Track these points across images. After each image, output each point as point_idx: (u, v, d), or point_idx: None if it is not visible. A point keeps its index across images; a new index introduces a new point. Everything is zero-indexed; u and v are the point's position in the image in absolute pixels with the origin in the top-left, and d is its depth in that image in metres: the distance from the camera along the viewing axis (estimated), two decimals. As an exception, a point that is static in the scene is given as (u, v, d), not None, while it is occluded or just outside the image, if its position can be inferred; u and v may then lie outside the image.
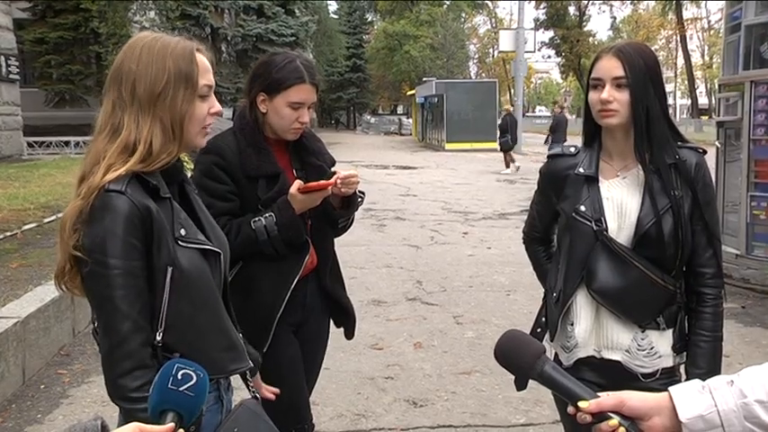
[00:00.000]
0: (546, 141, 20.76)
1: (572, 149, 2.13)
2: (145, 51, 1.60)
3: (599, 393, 1.19)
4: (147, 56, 1.59)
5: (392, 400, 4.15)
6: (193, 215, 1.72)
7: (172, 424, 1.19)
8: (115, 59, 1.65)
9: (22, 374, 4.30)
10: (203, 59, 1.66)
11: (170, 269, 1.55)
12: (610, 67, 1.96)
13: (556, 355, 2.17)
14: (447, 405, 4.08)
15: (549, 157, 2.19)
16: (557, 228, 2.22)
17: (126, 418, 1.53)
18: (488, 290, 6.70)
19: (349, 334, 2.75)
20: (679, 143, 2.02)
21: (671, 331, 2.02)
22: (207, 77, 1.65)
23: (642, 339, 2.02)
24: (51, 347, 4.74)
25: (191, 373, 1.24)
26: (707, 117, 47.35)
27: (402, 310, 6.04)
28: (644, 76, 1.95)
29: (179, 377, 1.23)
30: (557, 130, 19.22)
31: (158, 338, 1.56)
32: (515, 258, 7.43)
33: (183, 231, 1.60)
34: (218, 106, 1.69)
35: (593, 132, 2.10)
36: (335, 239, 2.67)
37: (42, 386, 4.32)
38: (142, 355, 1.52)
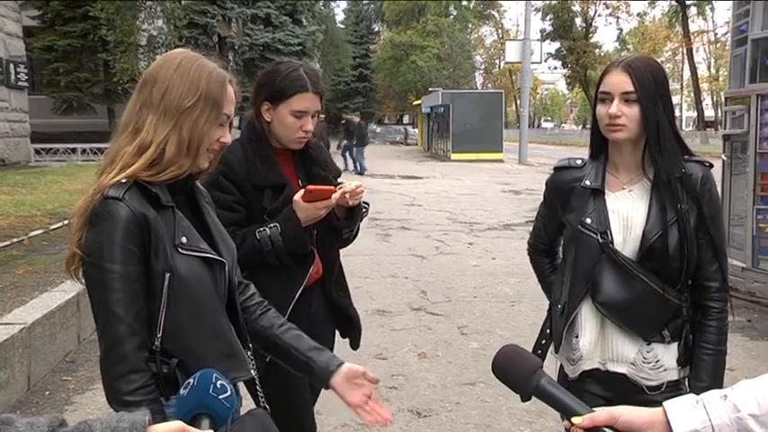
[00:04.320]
0: (338, 147, 24.61)
1: (578, 162, 2.13)
2: (184, 63, 1.65)
3: (594, 408, 1.19)
4: (185, 68, 1.64)
5: (396, 410, 4.14)
6: (203, 224, 1.74)
7: (211, 431, 1.24)
8: (151, 65, 1.69)
9: (27, 381, 4.31)
10: (231, 91, 1.70)
11: (167, 275, 1.57)
12: (619, 81, 1.96)
13: (561, 367, 2.17)
14: (451, 416, 4.07)
15: (555, 168, 2.19)
16: (562, 240, 2.23)
17: None
18: (493, 300, 6.70)
19: (355, 344, 2.76)
20: (685, 157, 2.02)
21: (676, 344, 2.02)
22: (229, 108, 1.69)
23: (648, 352, 2.02)
24: (56, 354, 4.75)
25: (226, 385, 1.29)
26: (713, 129, 47.29)
27: (407, 319, 6.03)
28: (653, 91, 1.96)
29: (218, 386, 1.28)
30: (359, 136, 22.97)
31: (157, 344, 1.58)
32: (520, 269, 7.42)
33: (184, 239, 1.61)
34: (227, 138, 1.72)
35: (599, 145, 2.10)
36: (341, 250, 2.67)
37: (47, 393, 4.33)
38: (137, 359, 1.54)
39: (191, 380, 1.30)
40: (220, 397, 1.27)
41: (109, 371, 1.55)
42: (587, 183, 2.06)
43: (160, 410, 1.55)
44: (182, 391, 1.31)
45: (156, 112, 1.62)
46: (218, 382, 1.28)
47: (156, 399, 1.55)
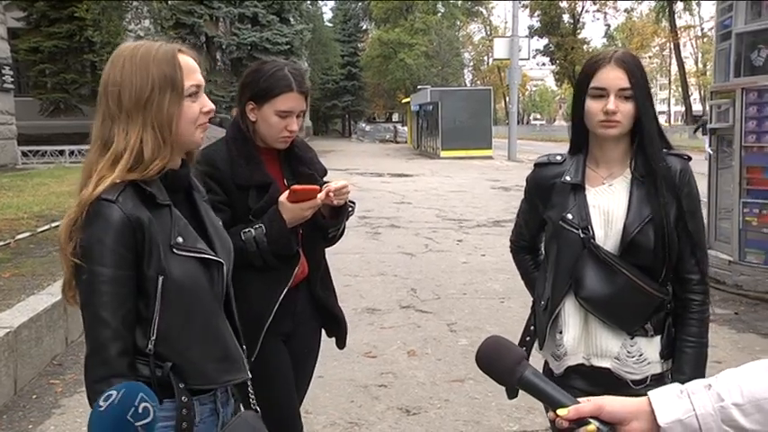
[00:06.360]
0: None
1: (558, 158, 2.13)
2: (128, 61, 1.60)
3: (579, 399, 1.20)
4: (130, 65, 1.60)
5: (385, 408, 4.15)
6: (199, 223, 1.72)
7: None
8: (102, 72, 1.65)
9: (14, 385, 4.28)
10: (187, 60, 1.65)
11: (161, 278, 1.55)
12: (614, 77, 1.95)
13: (546, 363, 2.18)
14: (440, 413, 4.07)
15: (535, 165, 2.19)
16: (544, 236, 2.23)
17: None
18: (482, 297, 6.71)
19: (341, 343, 2.75)
20: (665, 150, 2.03)
21: (659, 338, 2.03)
22: (193, 77, 1.65)
23: (631, 346, 2.02)
24: (44, 357, 4.72)
25: (150, 407, 1.23)
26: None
27: (396, 317, 6.03)
28: (644, 87, 1.97)
29: (140, 410, 1.22)
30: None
31: (150, 347, 1.56)
32: (509, 265, 7.36)
33: (180, 239, 1.60)
34: (210, 105, 1.69)
35: (580, 140, 2.10)
36: (329, 248, 2.67)
37: (34, 396, 4.30)
38: (120, 363, 1.53)
39: (113, 392, 1.25)
40: (138, 423, 1.20)
41: (91, 373, 1.54)
42: (567, 178, 2.06)
43: None
44: (101, 403, 1.24)
45: (120, 119, 1.59)
46: (142, 405, 1.21)
47: None
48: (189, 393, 1.60)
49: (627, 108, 1.96)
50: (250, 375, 1.80)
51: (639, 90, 1.96)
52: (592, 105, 1.99)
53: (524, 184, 2.26)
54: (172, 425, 1.57)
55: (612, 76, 1.96)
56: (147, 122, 1.58)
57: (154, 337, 1.56)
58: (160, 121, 1.59)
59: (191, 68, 1.65)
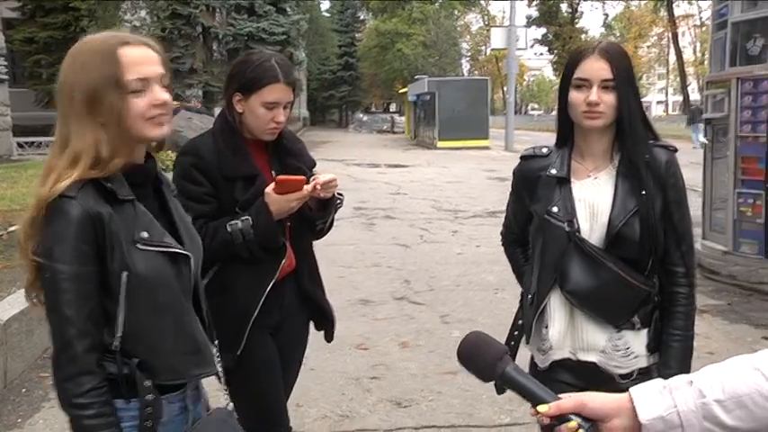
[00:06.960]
0: None
1: (544, 150, 2.12)
2: (74, 56, 1.58)
3: (560, 395, 1.18)
4: (76, 61, 1.57)
5: (377, 400, 4.13)
6: (168, 217, 1.70)
7: None
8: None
9: (4, 378, 4.26)
10: (132, 52, 1.57)
11: (125, 274, 1.53)
12: (598, 68, 1.93)
13: (532, 357, 2.16)
14: (432, 405, 4.07)
15: (521, 158, 2.18)
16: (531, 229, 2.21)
17: (72, 424, 1.52)
18: (476, 288, 6.69)
19: (328, 337, 2.74)
20: (650, 141, 2.01)
21: (646, 331, 2.01)
22: (137, 71, 1.56)
23: (618, 340, 2.01)
24: (34, 350, 4.70)
25: None
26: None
27: (389, 309, 6.02)
28: (628, 77, 1.95)
29: None
30: None
31: (116, 344, 1.54)
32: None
33: (144, 234, 1.57)
34: (161, 97, 1.58)
35: (566, 132, 2.08)
36: (320, 240, 2.64)
37: (24, 390, 4.28)
38: (87, 360, 1.51)
39: None
40: None
41: (58, 372, 1.53)
42: (553, 171, 2.04)
43: (111, 413, 1.52)
44: None
45: (74, 118, 1.56)
46: None
47: (107, 402, 1.53)
48: (157, 392, 1.58)
49: (609, 99, 1.94)
50: (220, 369, 1.79)
51: (622, 81, 1.94)
52: (575, 96, 1.97)
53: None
54: (137, 424, 1.56)
55: (596, 67, 1.94)
56: (98, 121, 1.55)
57: (119, 334, 1.54)
58: (110, 120, 1.55)
59: (135, 62, 1.56)
